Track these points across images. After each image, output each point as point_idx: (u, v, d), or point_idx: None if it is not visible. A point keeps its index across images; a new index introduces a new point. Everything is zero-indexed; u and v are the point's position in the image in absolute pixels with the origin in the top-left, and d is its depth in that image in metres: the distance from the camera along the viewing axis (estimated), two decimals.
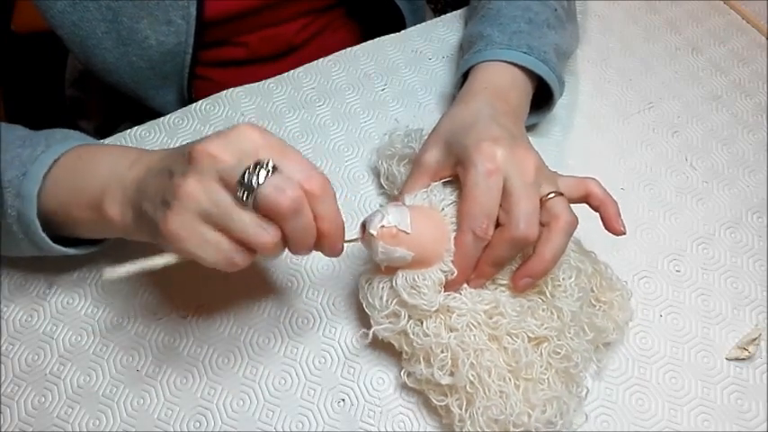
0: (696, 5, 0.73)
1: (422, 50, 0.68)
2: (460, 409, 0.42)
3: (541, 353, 0.43)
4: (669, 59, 0.68)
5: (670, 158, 0.60)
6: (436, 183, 0.47)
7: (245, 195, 0.35)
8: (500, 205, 0.43)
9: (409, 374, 0.45)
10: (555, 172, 0.47)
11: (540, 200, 0.43)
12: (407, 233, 0.41)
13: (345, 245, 0.41)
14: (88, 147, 0.46)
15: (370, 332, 0.44)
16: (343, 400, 0.47)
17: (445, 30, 0.70)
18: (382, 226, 0.41)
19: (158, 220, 0.37)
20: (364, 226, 0.42)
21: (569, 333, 0.44)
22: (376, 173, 0.58)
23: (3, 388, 0.47)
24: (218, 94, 0.64)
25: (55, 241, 0.45)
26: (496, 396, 0.41)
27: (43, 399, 0.47)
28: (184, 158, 0.37)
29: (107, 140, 0.60)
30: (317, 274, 0.52)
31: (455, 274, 0.43)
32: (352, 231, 0.42)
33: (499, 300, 0.43)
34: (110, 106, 0.84)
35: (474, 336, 0.42)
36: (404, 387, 0.47)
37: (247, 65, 0.72)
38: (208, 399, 0.47)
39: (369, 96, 0.64)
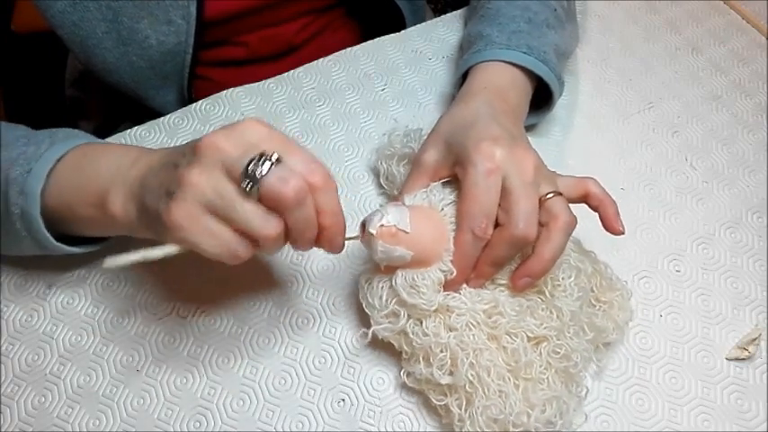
0: (696, 5, 0.73)
1: (422, 50, 0.68)
2: (460, 409, 0.42)
3: (541, 352, 0.43)
4: (669, 59, 0.68)
5: (670, 158, 0.60)
6: (436, 183, 0.47)
7: (249, 186, 0.36)
8: (499, 205, 0.43)
9: (409, 374, 0.45)
10: (554, 172, 0.47)
11: (539, 200, 0.43)
12: (407, 232, 0.41)
13: (346, 242, 0.41)
14: (92, 145, 0.46)
15: (370, 332, 0.44)
16: (343, 400, 0.47)
17: (445, 30, 0.70)
18: (382, 225, 0.41)
19: (161, 210, 0.37)
20: (364, 225, 0.42)
21: (569, 333, 0.44)
22: (376, 173, 0.58)
23: (3, 388, 0.47)
24: (218, 94, 0.64)
25: (58, 240, 0.45)
26: (496, 396, 0.41)
27: (43, 399, 0.47)
28: (190, 151, 0.37)
29: (107, 140, 0.60)
30: (316, 274, 0.52)
31: (454, 274, 0.43)
32: (352, 231, 0.42)
33: (498, 299, 0.43)
34: (110, 106, 0.84)
35: (473, 335, 0.42)
36: (404, 387, 0.47)
37: (247, 65, 0.72)
38: (208, 399, 0.47)
39: (369, 96, 0.64)
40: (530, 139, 0.49)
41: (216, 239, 0.36)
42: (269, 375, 0.48)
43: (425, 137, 0.51)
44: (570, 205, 0.44)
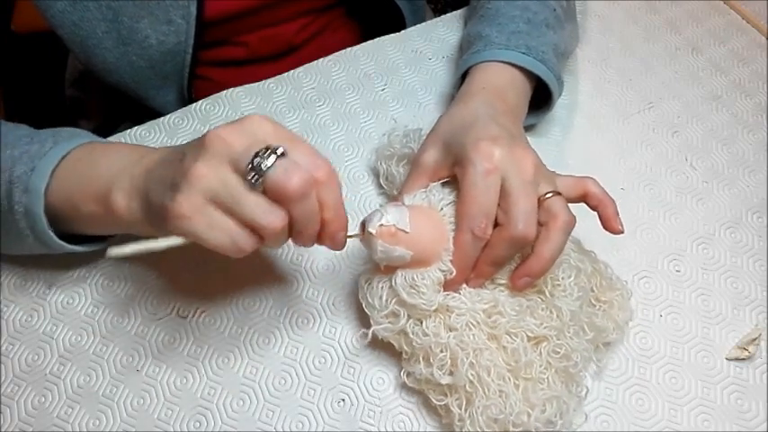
0: (696, 5, 0.73)
1: (422, 50, 0.68)
2: (460, 409, 0.42)
3: (541, 352, 0.43)
4: (669, 59, 0.68)
5: (670, 158, 0.60)
6: (435, 183, 0.47)
7: (255, 178, 0.36)
8: (499, 205, 0.43)
9: (409, 374, 0.45)
10: (553, 171, 0.47)
11: (538, 199, 0.43)
12: (406, 232, 0.41)
13: (347, 239, 0.41)
14: (95, 144, 0.46)
15: (370, 332, 0.44)
16: (343, 400, 0.47)
17: (445, 30, 0.70)
18: (381, 225, 0.41)
19: (166, 202, 0.37)
20: (364, 225, 0.42)
21: (569, 332, 0.44)
22: (376, 173, 0.58)
23: (3, 388, 0.47)
24: (218, 94, 0.64)
25: (60, 238, 0.45)
26: (496, 395, 0.41)
27: (43, 399, 0.47)
28: (196, 145, 0.38)
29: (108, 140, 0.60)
30: (317, 274, 0.52)
31: (454, 274, 0.43)
32: (352, 230, 0.42)
33: (498, 299, 0.43)
34: (110, 106, 0.84)
35: (473, 335, 0.42)
36: (404, 387, 0.47)
37: (247, 65, 0.72)
38: (208, 399, 0.47)
39: (369, 96, 0.64)
40: (529, 139, 0.49)
41: (220, 231, 0.37)
42: (269, 375, 0.48)
43: (425, 137, 0.51)
44: (569, 205, 0.44)
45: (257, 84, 0.65)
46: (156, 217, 0.39)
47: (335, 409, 0.46)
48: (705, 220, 0.56)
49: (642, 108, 0.64)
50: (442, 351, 0.42)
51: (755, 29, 0.71)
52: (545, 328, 0.43)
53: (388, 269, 0.44)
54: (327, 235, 0.40)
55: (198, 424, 0.46)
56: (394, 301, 0.43)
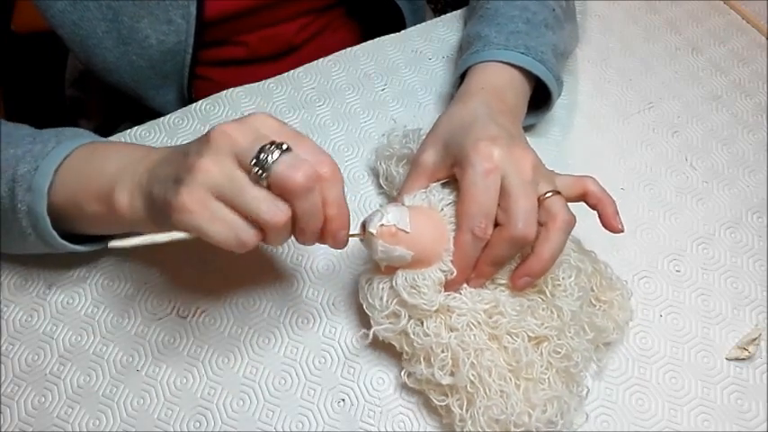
0: (696, 5, 0.73)
1: (422, 50, 0.68)
2: (461, 409, 0.42)
3: (542, 352, 0.43)
4: (669, 59, 0.68)
5: (670, 158, 0.60)
6: (435, 183, 0.47)
7: (260, 173, 0.36)
8: (498, 204, 0.43)
9: (410, 375, 0.45)
10: (552, 171, 0.47)
11: (538, 199, 0.43)
12: (407, 232, 0.41)
13: (349, 238, 0.41)
14: (98, 144, 0.47)
15: (371, 333, 0.44)
16: (343, 400, 0.47)
17: (445, 30, 0.70)
18: (382, 225, 0.41)
19: (169, 196, 0.37)
20: (364, 225, 0.42)
21: (569, 332, 0.44)
22: (375, 173, 0.58)
23: (3, 388, 0.47)
24: (218, 94, 0.64)
25: (62, 238, 0.45)
26: (497, 396, 0.41)
27: (43, 399, 0.47)
28: (200, 141, 0.38)
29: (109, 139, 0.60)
30: (317, 274, 0.52)
31: (455, 274, 0.43)
32: (353, 230, 0.42)
33: (499, 299, 0.43)
34: (110, 106, 0.84)
35: (474, 335, 0.42)
36: (404, 387, 0.47)
37: (247, 65, 0.72)
38: (208, 399, 0.47)
39: (369, 96, 0.64)
40: (529, 139, 0.49)
41: (223, 225, 0.37)
42: (269, 375, 0.48)
43: (424, 137, 0.51)
44: (569, 204, 0.44)
45: (257, 84, 0.65)
46: (160, 213, 0.39)
47: (335, 409, 0.46)
48: (705, 220, 0.56)
49: (642, 108, 0.64)
50: (443, 351, 0.42)
51: (755, 29, 0.71)
52: (546, 328, 0.43)
53: (388, 269, 0.44)
54: (329, 233, 0.40)
55: (198, 424, 0.46)
56: (395, 301, 0.43)
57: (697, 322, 0.50)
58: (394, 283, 0.43)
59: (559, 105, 0.62)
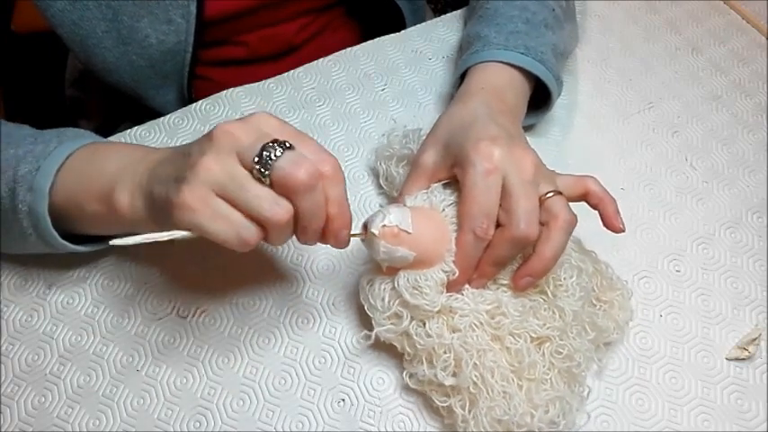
0: (696, 5, 0.73)
1: (422, 50, 0.68)
2: (464, 410, 0.42)
3: (544, 353, 0.43)
4: (669, 59, 0.68)
5: (670, 158, 0.60)
6: (436, 184, 0.47)
7: (262, 171, 0.36)
8: (500, 205, 0.43)
9: (411, 376, 0.45)
10: (553, 171, 0.47)
11: (539, 199, 0.43)
12: (409, 233, 0.41)
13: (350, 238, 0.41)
14: (99, 144, 0.47)
15: (373, 334, 0.44)
16: (343, 400, 0.47)
17: (445, 30, 0.70)
18: (384, 225, 0.41)
19: (171, 195, 0.37)
20: (366, 226, 0.42)
21: (571, 333, 0.44)
22: (375, 173, 0.58)
23: (3, 388, 0.47)
24: (218, 94, 0.64)
25: (63, 238, 0.45)
26: (500, 397, 0.41)
27: (43, 399, 0.47)
28: (202, 140, 0.38)
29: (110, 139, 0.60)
30: (317, 274, 0.52)
31: (456, 275, 0.43)
32: (354, 231, 0.42)
33: (501, 300, 0.43)
34: (110, 106, 0.84)
35: (477, 336, 0.42)
36: (404, 387, 0.47)
37: (247, 65, 0.72)
38: (208, 399, 0.47)
39: (369, 96, 0.64)
40: (529, 139, 0.49)
41: (225, 223, 0.36)
42: (269, 375, 0.48)
43: (424, 137, 0.51)
44: (570, 204, 0.44)
45: (257, 84, 0.65)
46: (161, 212, 0.38)
47: (335, 409, 0.46)
48: (705, 220, 0.56)
49: (642, 108, 0.64)
50: (445, 352, 0.42)
51: (755, 29, 0.71)
52: (548, 328, 0.43)
53: (390, 270, 0.44)
54: (331, 232, 0.40)
55: (198, 424, 0.46)
56: (397, 302, 0.43)
57: (697, 322, 0.50)
58: (396, 284, 0.43)
59: (559, 105, 0.62)
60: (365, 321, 0.48)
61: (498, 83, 0.53)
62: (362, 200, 0.57)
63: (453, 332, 0.42)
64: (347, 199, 0.40)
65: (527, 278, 0.43)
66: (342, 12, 0.76)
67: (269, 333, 0.49)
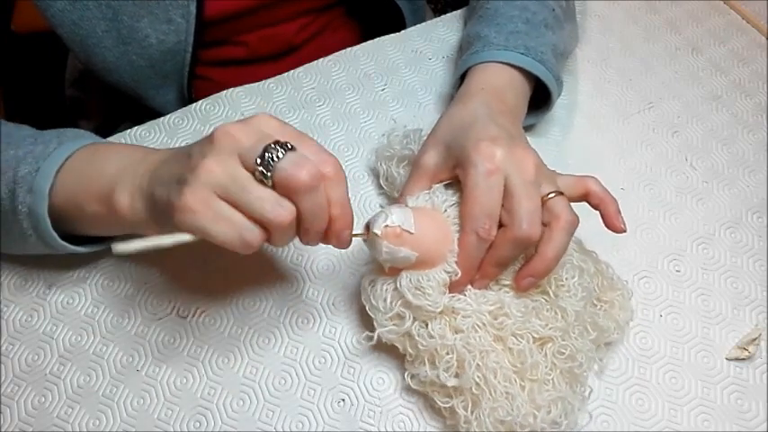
0: (696, 5, 0.73)
1: (422, 50, 0.68)
2: (466, 411, 0.42)
3: (546, 353, 0.43)
4: (669, 59, 0.68)
5: (670, 158, 0.60)
6: (438, 184, 0.47)
7: (264, 172, 0.36)
8: (502, 205, 0.43)
9: (413, 376, 0.45)
10: (554, 171, 0.47)
11: (541, 199, 0.43)
12: (411, 233, 0.41)
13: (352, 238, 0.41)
14: (99, 145, 0.47)
15: (375, 335, 0.44)
16: (343, 400, 0.47)
17: (445, 30, 0.70)
18: (386, 225, 0.41)
19: (173, 197, 0.37)
20: (368, 226, 0.42)
21: (573, 333, 0.44)
22: (375, 173, 0.58)
23: (3, 388, 0.47)
24: (218, 94, 0.64)
25: (63, 239, 0.45)
26: (502, 397, 0.41)
27: (43, 399, 0.47)
28: (203, 142, 0.38)
29: (109, 140, 0.60)
30: (317, 274, 0.52)
31: (459, 275, 0.43)
32: (356, 232, 0.42)
33: (504, 300, 0.43)
34: (110, 106, 0.84)
35: (479, 337, 0.42)
36: (404, 387, 0.47)
37: (247, 64, 0.72)
38: (208, 399, 0.47)
39: (369, 96, 0.64)
40: (529, 139, 0.49)
41: (227, 225, 0.36)
42: (269, 375, 0.48)
43: (425, 138, 0.50)
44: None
45: (257, 84, 0.65)
46: (162, 214, 0.38)
47: (335, 409, 0.46)
48: (705, 220, 0.56)
49: (642, 108, 0.64)
50: (448, 353, 0.42)
51: (755, 29, 0.71)
52: (550, 329, 0.43)
53: (392, 271, 0.44)
54: (333, 232, 0.40)
55: (198, 424, 0.46)
56: (399, 303, 0.43)
57: (697, 322, 0.50)
58: (398, 285, 0.43)
59: (559, 105, 0.62)
60: (365, 322, 0.48)
61: (498, 83, 0.53)
62: (363, 200, 0.57)
63: (456, 333, 0.42)
64: (349, 199, 0.40)
65: (529, 278, 0.43)
66: (342, 12, 0.76)
67: (269, 333, 0.49)
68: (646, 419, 0.46)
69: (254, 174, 0.36)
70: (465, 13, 0.70)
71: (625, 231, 0.45)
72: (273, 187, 0.36)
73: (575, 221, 0.43)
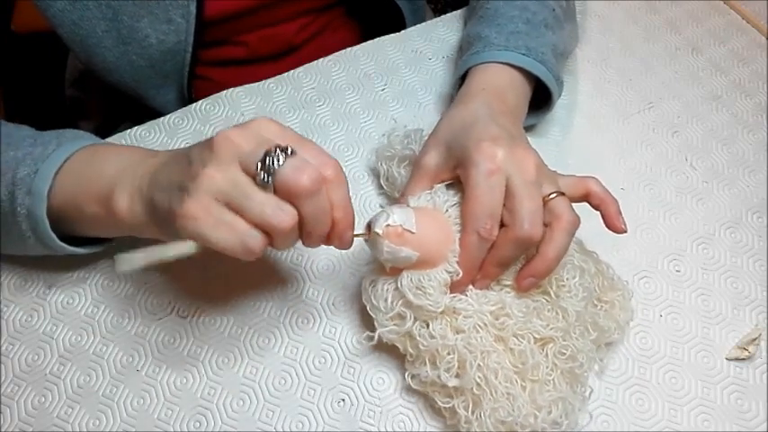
0: (696, 5, 0.73)
1: (422, 50, 0.68)
2: (467, 411, 0.42)
3: (547, 354, 0.43)
4: (669, 59, 0.68)
5: (670, 158, 0.60)
6: (439, 185, 0.47)
7: (265, 177, 0.36)
8: (503, 205, 0.43)
9: (413, 377, 0.45)
10: (554, 171, 0.47)
11: (542, 199, 0.43)
12: (412, 233, 0.41)
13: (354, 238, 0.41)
14: (98, 146, 0.46)
15: (376, 335, 0.44)
16: (343, 400, 0.47)
17: (445, 30, 0.70)
18: (388, 225, 0.41)
19: (174, 204, 0.37)
20: (369, 226, 0.42)
21: (574, 333, 0.44)
22: (376, 173, 0.58)
23: (3, 388, 0.47)
24: (218, 94, 0.64)
25: (62, 240, 0.45)
26: (504, 398, 0.41)
27: (43, 399, 0.47)
28: (203, 148, 0.38)
29: (108, 140, 0.60)
30: (317, 274, 0.52)
31: (460, 275, 0.43)
32: (356, 231, 0.42)
33: (505, 301, 0.43)
34: (110, 106, 0.84)
35: (481, 337, 0.42)
36: (404, 387, 0.47)
37: (247, 64, 0.72)
38: (208, 399, 0.47)
39: (369, 96, 0.64)
40: (529, 139, 0.49)
41: (228, 230, 0.36)
42: (269, 375, 0.48)
43: (426, 138, 0.50)
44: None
45: (257, 84, 0.65)
46: (164, 221, 0.38)
47: (335, 409, 0.46)
48: (705, 220, 0.56)
49: (642, 108, 0.64)
50: (449, 353, 0.42)
51: (755, 29, 0.71)
52: (551, 329, 0.43)
53: (393, 271, 0.43)
54: (336, 234, 0.40)
55: (198, 424, 0.46)
56: (400, 302, 0.43)
57: (697, 322, 0.50)
58: (399, 284, 0.43)
59: (559, 105, 0.62)
60: (365, 322, 0.48)
61: (499, 83, 0.53)
62: (363, 200, 0.57)
63: (457, 333, 0.42)
64: (351, 201, 0.40)
65: (530, 279, 0.43)
66: (342, 12, 0.76)
67: (269, 333, 0.49)
68: (646, 419, 0.46)
69: (254, 179, 0.36)
70: (465, 13, 0.70)
71: (626, 232, 0.45)
72: (275, 192, 0.36)
73: (576, 222, 0.43)
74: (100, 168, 0.44)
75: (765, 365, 0.48)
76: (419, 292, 0.42)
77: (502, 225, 0.43)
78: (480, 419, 0.41)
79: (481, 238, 0.42)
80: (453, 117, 0.49)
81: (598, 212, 0.46)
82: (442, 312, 0.42)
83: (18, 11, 0.80)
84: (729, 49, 0.69)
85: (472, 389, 0.41)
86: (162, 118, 0.62)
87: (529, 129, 0.60)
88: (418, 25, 0.71)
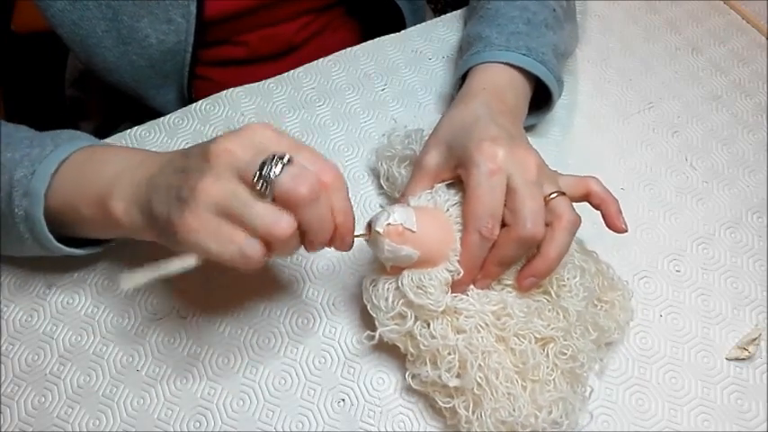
0: (696, 5, 0.73)
1: (422, 50, 0.68)
2: (468, 411, 0.42)
3: (548, 353, 0.43)
4: (669, 59, 0.68)
5: (670, 158, 0.60)
6: (440, 184, 0.47)
7: (264, 186, 0.36)
8: (505, 205, 0.43)
9: (414, 377, 0.45)
10: (555, 171, 0.47)
11: (543, 199, 0.43)
12: (413, 231, 0.41)
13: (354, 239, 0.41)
14: (96, 147, 0.46)
15: (376, 334, 0.44)
16: (343, 400, 0.47)
17: (445, 30, 0.70)
18: (389, 224, 0.41)
19: (173, 216, 0.37)
20: (370, 225, 0.42)
21: (575, 333, 0.44)
22: (376, 173, 0.58)
23: (3, 388, 0.47)
24: (218, 94, 0.64)
25: (60, 241, 0.45)
26: (504, 398, 0.41)
27: (43, 399, 0.47)
28: (200, 157, 0.38)
29: (107, 140, 0.60)
30: (317, 274, 0.52)
31: (461, 275, 0.43)
32: (357, 231, 0.42)
33: (506, 300, 0.43)
34: (110, 106, 0.84)
35: (482, 337, 0.42)
36: (404, 387, 0.47)
37: (247, 64, 0.72)
38: (208, 399, 0.47)
39: (369, 96, 0.64)
40: (529, 139, 0.49)
41: (228, 241, 0.36)
42: (269, 375, 0.48)
43: (426, 138, 0.50)
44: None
45: (257, 84, 0.65)
46: (163, 230, 0.39)
47: (335, 409, 0.46)
48: (705, 220, 0.56)
49: (642, 108, 0.64)
50: (450, 353, 0.42)
51: (755, 29, 0.71)
52: (552, 329, 0.43)
53: (393, 270, 0.43)
54: (337, 238, 0.40)
55: (198, 424, 0.46)
56: (401, 302, 0.43)
57: (697, 322, 0.50)
58: (400, 284, 0.43)
59: (559, 105, 0.62)
60: (365, 321, 0.48)
61: (499, 83, 0.53)
62: (363, 200, 0.57)
63: (458, 333, 0.42)
64: (351, 204, 0.40)
65: (531, 278, 0.43)
66: (342, 12, 0.76)
67: (269, 333, 0.49)
68: (646, 419, 0.46)
69: (253, 189, 0.36)
70: (465, 13, 0.70)
71: (626, 231, 0.45)
72: (273, 201, 0.36)
73: (577, 221, 0.43)
74: (97, 170, 0.44)
75: (765, 365, 0.48)
76: (420, 291, 0.42)
77: (503, 225, 0.43)
78: (481, 419, 0.41)
79: (483, 237, 0.42)
80: (454, 117, 0.49)
81: (598, 212, 0.46)
82: (443, 312, 0.42)
83: (18, 11, 0.80)
84: (729, 49, 0.69)
85: (473, 389, 0.41)
86: (162, 118, 0.62)
87: (529, 129, 0.60)
88: (418, 25, 0.71)
